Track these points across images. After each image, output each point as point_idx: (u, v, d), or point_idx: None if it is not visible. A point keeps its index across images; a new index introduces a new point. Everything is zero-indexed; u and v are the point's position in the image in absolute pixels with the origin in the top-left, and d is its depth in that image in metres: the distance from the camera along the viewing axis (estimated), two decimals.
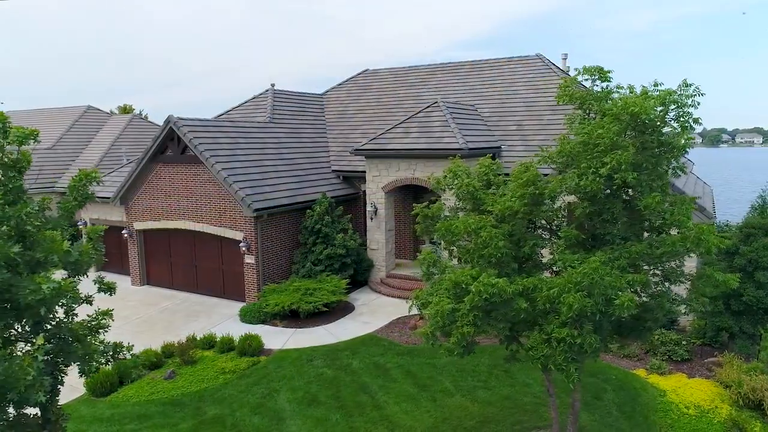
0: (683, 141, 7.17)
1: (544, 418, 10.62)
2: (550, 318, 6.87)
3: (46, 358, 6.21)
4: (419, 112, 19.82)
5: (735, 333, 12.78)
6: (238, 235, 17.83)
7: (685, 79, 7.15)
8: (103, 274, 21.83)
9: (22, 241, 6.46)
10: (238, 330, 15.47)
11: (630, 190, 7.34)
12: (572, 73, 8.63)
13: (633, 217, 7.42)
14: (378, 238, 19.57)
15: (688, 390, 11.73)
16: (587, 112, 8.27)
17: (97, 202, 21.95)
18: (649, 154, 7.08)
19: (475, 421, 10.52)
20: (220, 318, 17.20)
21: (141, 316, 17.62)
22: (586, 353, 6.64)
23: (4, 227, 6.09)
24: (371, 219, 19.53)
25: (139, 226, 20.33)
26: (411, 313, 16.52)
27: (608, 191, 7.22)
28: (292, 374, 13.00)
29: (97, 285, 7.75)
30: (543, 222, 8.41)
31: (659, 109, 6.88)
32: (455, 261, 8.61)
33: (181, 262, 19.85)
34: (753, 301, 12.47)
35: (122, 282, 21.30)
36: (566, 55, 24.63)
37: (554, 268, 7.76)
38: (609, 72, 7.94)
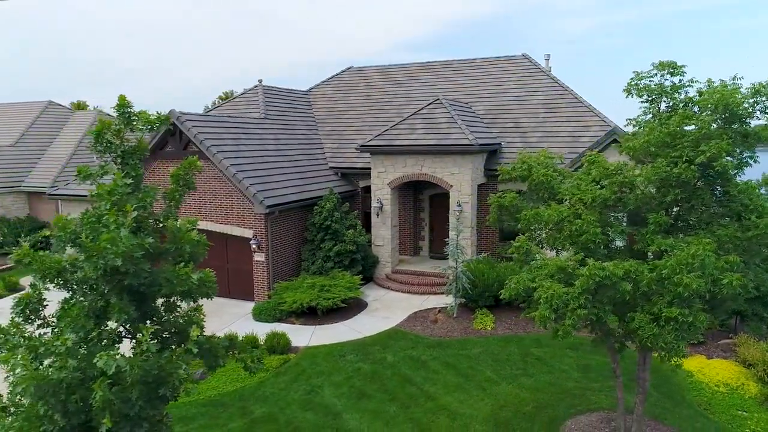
0: None
1: (593, 402, 11.02)
2: (654, 299, 7.20)
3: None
4: (422, 108, 20.00)
5: (747, 315, 13.67)
6: (246, 233, 17.44)
7: None
8: None
9: (138, 231, 6.18)
10: (254, 329, 15.12)
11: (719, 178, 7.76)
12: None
13: (719, 203, 7.86)
14: (383, 234, 19.62)
15: (712, 370, 12.46)
16: (656, 105, 8.65)
17: (78, 200, 20.93)
18: (736, 144, 7.55)
19: (530, 406, 10.80)
20: (232, 317, 16.78)
21: None
22: (696, 331, 6.99)
23: (134, 216, 5.80)
24: (377, 215, 19.55)
25: None
26: (428, 307, 16.91)
27: (700, 179, 7.61)
28: (328, 370, 12.89)
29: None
30: (629, 209, 8.68)
31: (751, 101, 7.35)
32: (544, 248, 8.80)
33: None
34: None
35: None
36: (549, 55, 25.45)
37: (647, 252, 8.04)
38: (682, 66, 8.37)
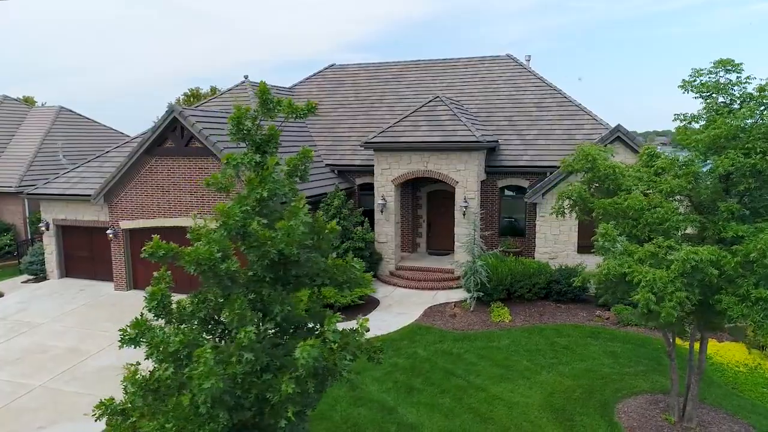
0: None
1: (634, 386, 11.48)
2: (739, 281, 7.63)
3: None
4: (422, 106, 20.16)
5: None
6: None
7: None
8: (70, 280, 19.83)
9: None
10: None
11: None
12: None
13: None
14: (387, 231, 19.63)
15: (728, 352, 13.27)
16: (714, 100, 9.13)
17: (62, 200, 19.80)
18: None
19: (578, 392, 11.15)
20: None
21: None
22: None
23: (305, 203, 5.65)
24: (381, 212, 19.54)
25: (126, 225, 18.63)
26: (440, 302, 17.07)
27: None
28: (363, 366, 12.75)
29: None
30: (702, 198, 9.06)
31: None
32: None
33: None
34: None
35: (101, 287, 19.46)
36: (529, 57, 26.22)
37: (722, 238, 8.43)
38: (740, 64, 8.90)
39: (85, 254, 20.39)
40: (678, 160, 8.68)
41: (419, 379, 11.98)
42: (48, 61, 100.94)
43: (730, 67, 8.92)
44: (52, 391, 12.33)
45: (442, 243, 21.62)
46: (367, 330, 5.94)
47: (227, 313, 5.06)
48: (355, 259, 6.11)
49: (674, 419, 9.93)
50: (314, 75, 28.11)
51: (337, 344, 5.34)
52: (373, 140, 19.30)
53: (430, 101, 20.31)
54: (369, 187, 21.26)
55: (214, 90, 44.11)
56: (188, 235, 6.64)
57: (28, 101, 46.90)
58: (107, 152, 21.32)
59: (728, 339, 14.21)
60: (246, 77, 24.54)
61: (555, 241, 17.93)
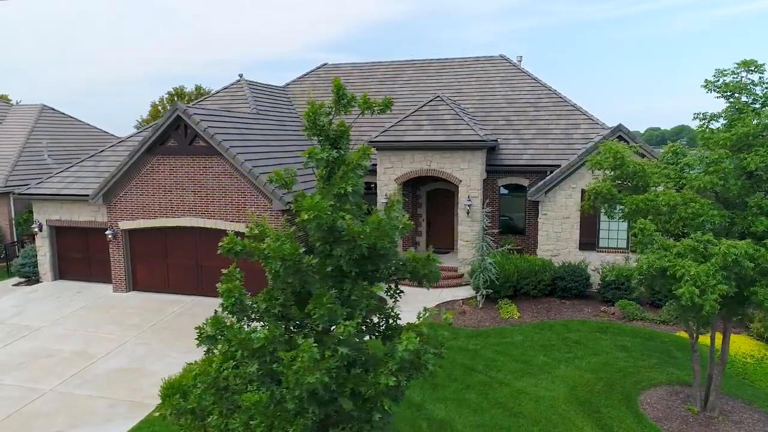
0: None
1: (651, 378, 11.79)
2: None
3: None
4: (424, 105, 20.27)
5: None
6: None
7: None
8: (64, 282, 19.34)
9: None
10: None
11: None
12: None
13: None
14: None
15: (733, 344, 13.65)
16: (737, 100, 9.44)
17: (56, 200, 19.31)
18: None
19: (600, 385, 11.39)
20: None
21: (155, 323, 15.96)
22: None
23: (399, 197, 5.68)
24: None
25: (126, 225, 18.25)
26: (446, 300, 17.19)
27: None
28: None
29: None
30: (732, 194, 9.30)
31: None
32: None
33: (181, 263, 18.21)
34: None
35: (98, 289, 19.04)
36: (521, 57, 26.60)
37: (753, 232, 8.71)
38: (763, 65, 9.23)
39: (80, 256, 19.90)
40: (706, 158, 8.95)
41: (441, 375, 12.05)
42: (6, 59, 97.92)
43: (752, 68, 9.24)
44: (65, 395, 12.03)
45: (441, 241, 21.77)
46: (450, 324, 5.98)
47: (314, 309, 5.04)
48: (433, 253, 6.14)
49: (697, 409, 10.23)
50: (306, 74, 28.00)
51: (423, 338, 5.37)
52: (376, 139, 19.33)
53: (431, 101, 20.43)
54: (367, 186, 21.31)
55: (199, 89, 43.49)
56: (246, 232, 6.59)
57: (3, 98, 45.50)
58: (101, 152, 20.87)
59: (731, 331, 14.65)
60: (241, 76, 24.30)
61: (557, 238, 18.23)
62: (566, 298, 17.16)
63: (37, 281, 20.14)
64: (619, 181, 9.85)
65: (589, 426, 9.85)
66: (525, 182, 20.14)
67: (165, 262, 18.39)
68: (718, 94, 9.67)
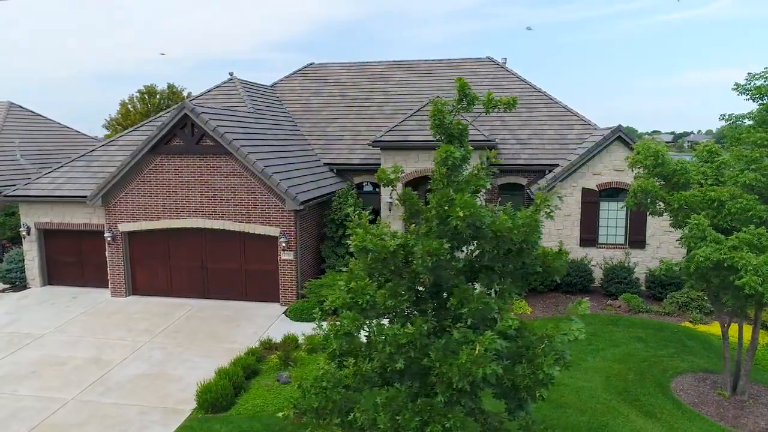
0: None
1: (675, 366, 12.38)
2: None
3: None
4: (424, 105, 20.50)
5: None
6: (271, 231, 16.68)
7: None
8: (55, 288, 18.52)
9: None
10: (299, 330, 14.59)
11: None
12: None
13: None
14: (395, 229, 19.74)
15: (736, 333, 14.52)
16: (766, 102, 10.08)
17: (47, 202, 18.48)
18: None
19: (632, 375, 11.88)
20: (266, 320, 15.98)
21: (165, 327, 15.53)
22: None
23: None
24: (389, 210, 19.68)
25: (126, 227, 17.64)
26: None
27: None
28: None
29: None
30: None
31: None
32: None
33: (185, 265, 17.76)
34: None
35: (94, 294, 18.33)
36: (505, 59, 27.25)
37: None
38: None
39: (72, 260, 19.09)
40: (745, 156, 9.52)
41: None
42: None
43: None
44: (90, 403, 11.58)
45: None
46: (587, 311, 6.17)
47: (460, 303, 5.13)
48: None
49: (727, 394, 10.84)
50: (294, 73, 27.75)
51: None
52: (381, 139, 19.41)
53: (431, 101, 20.62)
54: (367, 186, 21.45)
55: (171, 87, 42.18)
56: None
57: None
58: (92, 151, 20.09)
59: (744, 322, 15.52)
60: (231, 74, 23.86)
61: (558, 235, 18.80)
62: (571, 293, 17.74)
63: (24, 287, 19.19)
64: (661, 179, 10.32)
65: (634, 413, 10.29)
66: (523, 181, 20.67)
67: (167, 264, 17.88)
68: (748, 96, 10.29)
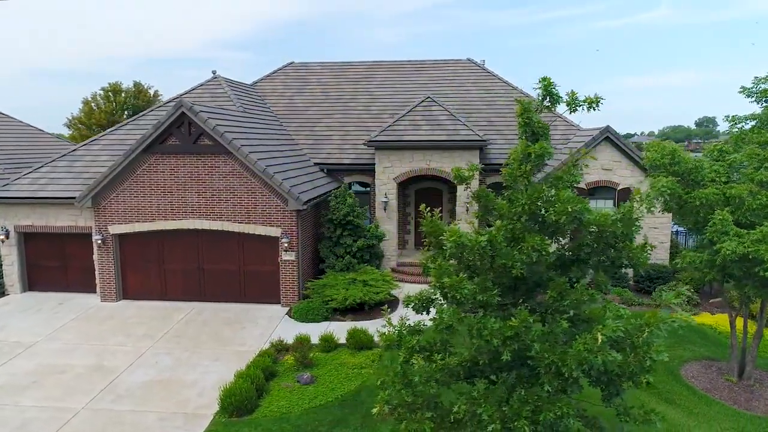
0: None
1: (681, 355, 12.97)
2: None
3: None
4: (416, 106, 20.70)
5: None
6: (272, 232, 16.48)
7: None
8: (37, 294, 17.70)
9: None
10: (305, 331, 14.49)
11: None
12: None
13: None
14: (389, 229, 19.89)
15: (726, 324, 15.37)
16: None
17: (27, 204, 17.64)
18: None
19: None
20: (270, 321, 15.76)
21: (166, 331, 15.10)
22: None
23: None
24: (384, 210, 19.76)
25: (117, 229, 17.03)
26: None
27: None
28: None
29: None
30: None
31: None
32: None
33: (180, 267, 17.29)
34: None
35: (81, 300, 17.60)
36: (484, 60, 27.79)
37: None
38: None
39: (54, 264, 18.25)
40: (757, 155, 10.12)
41: None
42: None
43: None
44: (103, 411, 11.17)
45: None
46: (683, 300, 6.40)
47: (559, 296, 5.29)
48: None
49: (735, 379, 11.48)
50: (274, 72, 27.42)
51: None
52: (376, 139, 19.47)
53: (422, 101, 20.89)
54: (354, 186, 21.51)
55: (138, 86, 40.63)
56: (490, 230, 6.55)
57: None
58: (73, 150, 19.28)
59: (717, 311, 16.42)
60: (214, 72, 23.35)
61: None
62: None
63: (3, 294, 18.23)
64: (677, 178, 10.80)
65: (654, 399, 10.75)
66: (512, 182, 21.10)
67: (161, 267, 17.36)
68: (753, 99, 10.93)
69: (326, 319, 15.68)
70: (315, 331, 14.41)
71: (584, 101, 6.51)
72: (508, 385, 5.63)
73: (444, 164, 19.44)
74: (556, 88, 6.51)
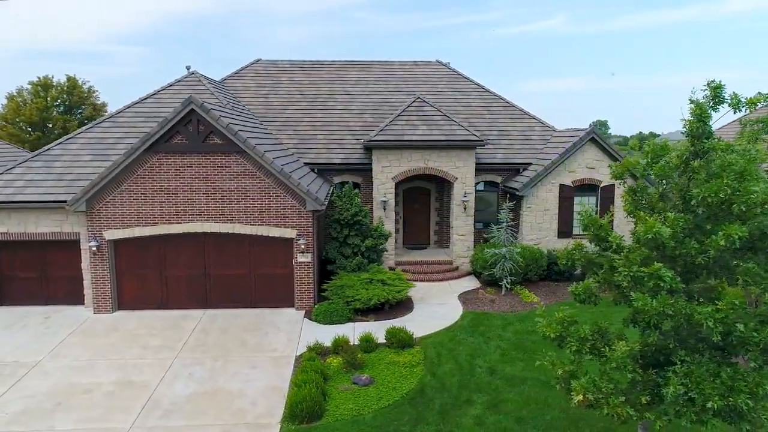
0: None
1: None
2: None
3: None
4: (408, 106, 20.93)
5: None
6: (287, 233, 16.04)
7: None
8: (13, 308, 16.16)
9: None
10: (332, 333, 14.36)
11: None
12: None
13: None
14: (389, 228, 19.95)
15: None
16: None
17: (3, 209, 15.94)
18: None
19: None
20: (291, 326, 15.33)
21: (184, 341, 14.28)
22: None
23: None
24: (383, 209, 19.80)
25: (114, 235, 15.79)
26: (463, 291, 18.19)
27: None
28: (475, 350, 13.55)
29: None
30: None
31: None
32: None
33: (184, 274, 16.34)
34: None
35: (68, 312, 16.22)
36: (449, 62, 28.59)
37: None
38: None
39: (32, 275, 16.55)
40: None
41: (524, 353, 13.11)
42: None
43: None
44: (157, 429, 10.44)
45: (416, 238, 22.64)
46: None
47: (749, 281, 5.84)
48: None
49: None
50: (242, 69, 26.45)
51: None
52: (375, 138, 19.48)
53: (413, 102, 21.16)
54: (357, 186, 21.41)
55: (72, 80, 37.11)
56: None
57: None
58: (49, 149, 17.59)
59: None
60: (188, 68, 22.17)
61: (539, 228, 20.37)
62: (559, 281, 19.33)
63: None
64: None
65: None
66: (498, 179, 21.96)
67: (162, 274, 16.30)
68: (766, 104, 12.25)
69: (350, 320, 15.52)
70: (342, 333, 14.25)
71: (746, 102, 7.10)
72: (707, 365, 6.10)
73: (441, 164, 19.84)
74: (723, 90, 7.04)
